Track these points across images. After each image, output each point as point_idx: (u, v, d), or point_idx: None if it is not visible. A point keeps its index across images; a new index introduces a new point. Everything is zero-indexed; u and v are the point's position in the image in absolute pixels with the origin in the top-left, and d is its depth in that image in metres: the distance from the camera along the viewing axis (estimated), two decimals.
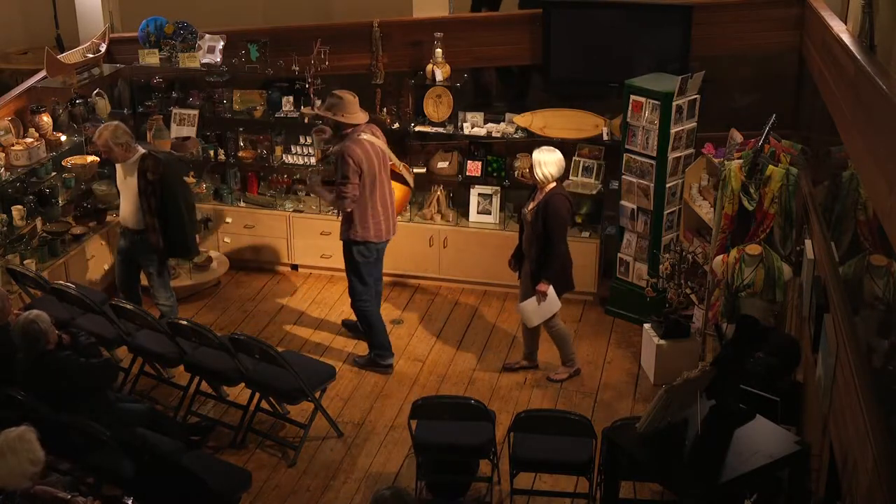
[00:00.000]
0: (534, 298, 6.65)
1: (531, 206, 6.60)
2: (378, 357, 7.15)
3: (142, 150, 6.81)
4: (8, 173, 7.31)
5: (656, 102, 7.15)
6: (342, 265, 8.01)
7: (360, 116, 6.72)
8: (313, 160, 8.22)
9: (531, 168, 6.53)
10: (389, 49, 8.05)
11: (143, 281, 7.23)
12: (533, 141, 7.98)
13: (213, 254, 8.43)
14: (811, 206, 5.89)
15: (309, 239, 8.40)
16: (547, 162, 6.48)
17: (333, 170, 6.96)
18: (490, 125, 8.06)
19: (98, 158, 7.63)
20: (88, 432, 5.27)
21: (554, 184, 6.53)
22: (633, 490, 5.72)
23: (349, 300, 7.13)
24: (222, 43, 8.16)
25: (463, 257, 8.14)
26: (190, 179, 8.49)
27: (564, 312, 7.81)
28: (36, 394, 5.45)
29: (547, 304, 6.67)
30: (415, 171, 8.00)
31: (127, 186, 6.85)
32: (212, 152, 8.45)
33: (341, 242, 6.97)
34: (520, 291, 6.91)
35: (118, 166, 6.92)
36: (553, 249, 6.53)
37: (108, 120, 8.19)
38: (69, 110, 7.97)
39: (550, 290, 6.63)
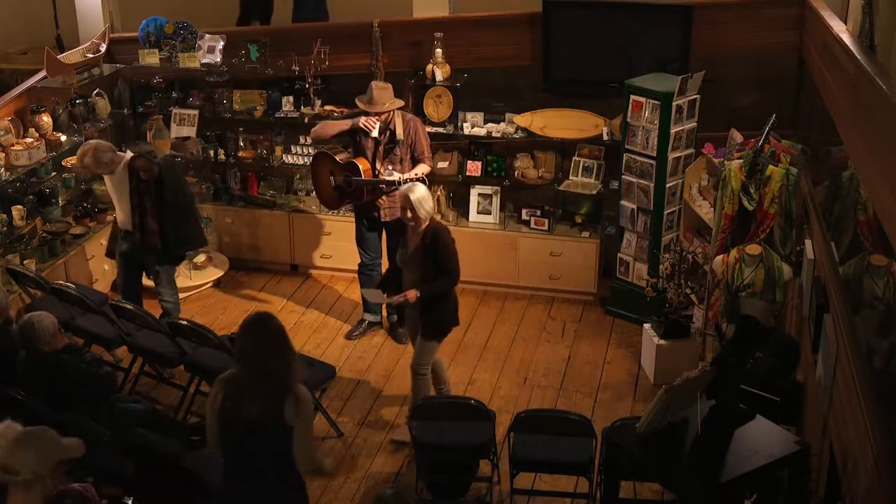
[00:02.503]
0: (384, 295, 6.39)
1: (413, 247, 6.09)
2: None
3: (128, 155, 6.77)
4: (8, 173, 7.31)
5: (656, 102, 7.14)
6: (342, 265, 8.05)
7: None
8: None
9: (412, 212, 5.95)
10: (389, 49, 8.05)
11: (145, 280, 7.22)
12: (533, 141, 8.00)
13: (213, 254, 8.43)
14: (811, 206, 5.89)
15: (309, 239, 8.39)
16: (424, 198, 6.00)
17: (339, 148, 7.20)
18: (490, 125, 8.06)
19: None
20: (88, 432, 5.26)
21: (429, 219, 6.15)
22: (633, 490, 5.72)
23: (357, 299, 7.07)
24: (222, 43, 8.15)
25: (463, 257, 8.00)
26: (190, 179, 8.51)
27: (565, 312, 7.86)
28: (36, 394, 5.45)
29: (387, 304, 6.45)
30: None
31: (121, 191, 6.77)
32: (212, 152, 8.45)
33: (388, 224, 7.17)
34: (407, 330, 6.64)
35: (106, 177, 6.83)
36: (450, 282, 6.15)
37: (108, 120, 8.23)
38: (69, 110, 7.97)
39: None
